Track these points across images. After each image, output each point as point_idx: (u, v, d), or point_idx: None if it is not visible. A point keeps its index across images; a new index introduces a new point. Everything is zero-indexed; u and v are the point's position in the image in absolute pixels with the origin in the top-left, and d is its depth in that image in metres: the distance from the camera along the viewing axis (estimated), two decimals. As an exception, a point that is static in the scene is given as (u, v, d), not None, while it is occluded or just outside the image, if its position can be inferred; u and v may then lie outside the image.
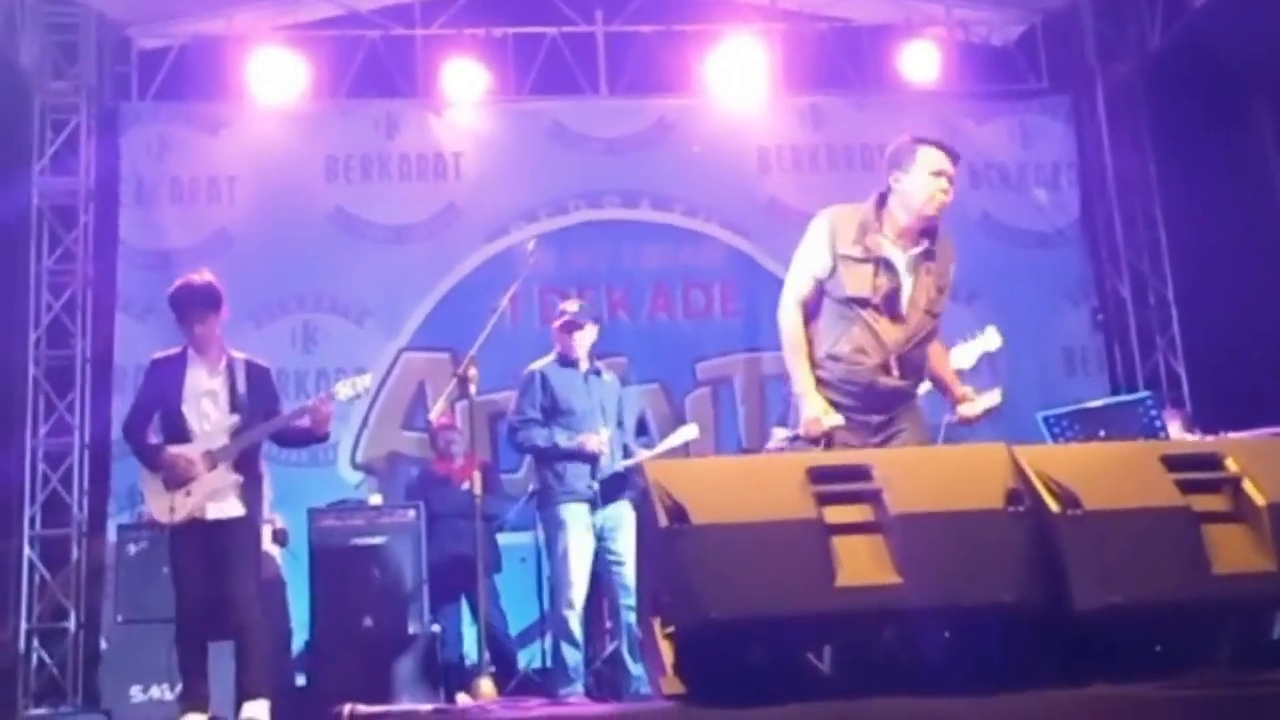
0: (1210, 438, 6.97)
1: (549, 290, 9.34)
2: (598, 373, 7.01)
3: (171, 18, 9.61)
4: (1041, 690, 3.36)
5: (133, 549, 7.53)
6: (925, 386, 4.85)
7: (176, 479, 5.73)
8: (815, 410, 4.49)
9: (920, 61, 9.92)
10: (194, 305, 5.83)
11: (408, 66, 9.78)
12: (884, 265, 4.54)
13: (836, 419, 4.47)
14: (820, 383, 4.56)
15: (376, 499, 8.36)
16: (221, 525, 5.77)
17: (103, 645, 7.73)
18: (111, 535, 8.15)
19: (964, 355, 5.58)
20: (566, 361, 6.95)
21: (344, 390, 6.16)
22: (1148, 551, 3.62)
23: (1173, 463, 3.82)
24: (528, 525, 7.92)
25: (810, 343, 4.62)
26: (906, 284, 4.57)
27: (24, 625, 8.62)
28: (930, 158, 4.55)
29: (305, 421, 6.05)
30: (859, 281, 4.53)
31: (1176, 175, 9.67)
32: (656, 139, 9.92)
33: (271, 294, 9.17)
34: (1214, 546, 3.67)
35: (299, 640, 7.56)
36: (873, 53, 10.11)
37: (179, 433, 5.82)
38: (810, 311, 4.64)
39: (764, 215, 9.69)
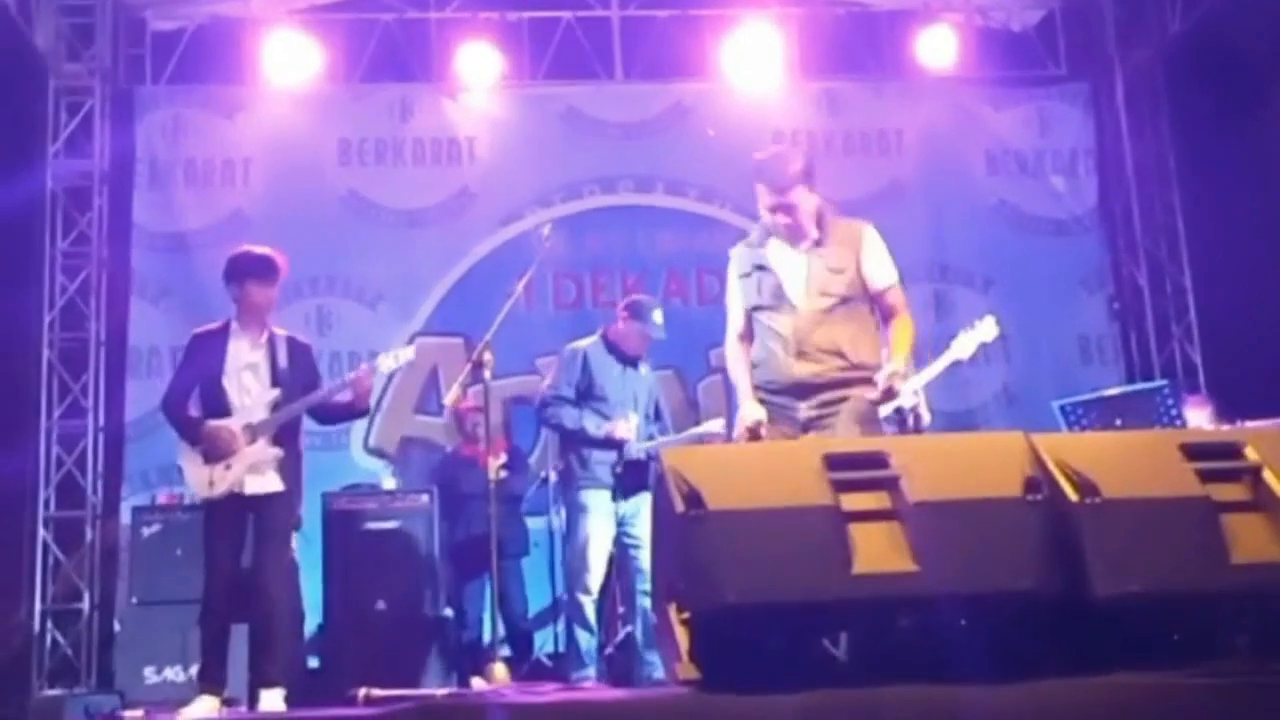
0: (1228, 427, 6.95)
1: (563, 275, 9.35)
2: (635, 366, 7.00)
3: (187, 0, 9.59)
4: (1058, 679, 3.34)
5: (146, 531, 7.55)
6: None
7: (217, 452, 5.75)
8: (741, 411, 4.95)
9: (938, 47, 9.86)
10: (255, 268, 5.92)
11: (422, 50, 9.75)
12: (761, 270, 5.02)
13: (757, 413, 4.87)
14: (757, 390, 4.98)
15: (390, 483, 8.38)
16: (260, 500, 5.80)
17: (116, 627, 7.75)
18: (125, 517, 8.19)
19: (962, 346, 5.58)
20: (613, 348, 6.94)
21: (386, 362, 6.24)
22: (1166, 540, 3.61)
23: (1192, 451, 3.81)
24: (542, 509, 7.94)
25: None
26: (795, 276, 4.95)
27: (38, 606, 8.64)
28: (760, 195, 4.99)
29: (347, 395, 6.08)
30: (749, 293, 5.05)
31: (1195, 163, 9.61)
32: (671, 124, 9.88)
33: (286, 277, 9.13)
34: (1233, 536, 3.65)
35: (311, 623, 7.58)
36: (890, 38, 10.05)
37: (219, 406, 5.84)
38: (749, 338, 5.11)
39: (779, 201, 9.64)
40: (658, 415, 7.14)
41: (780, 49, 9.78)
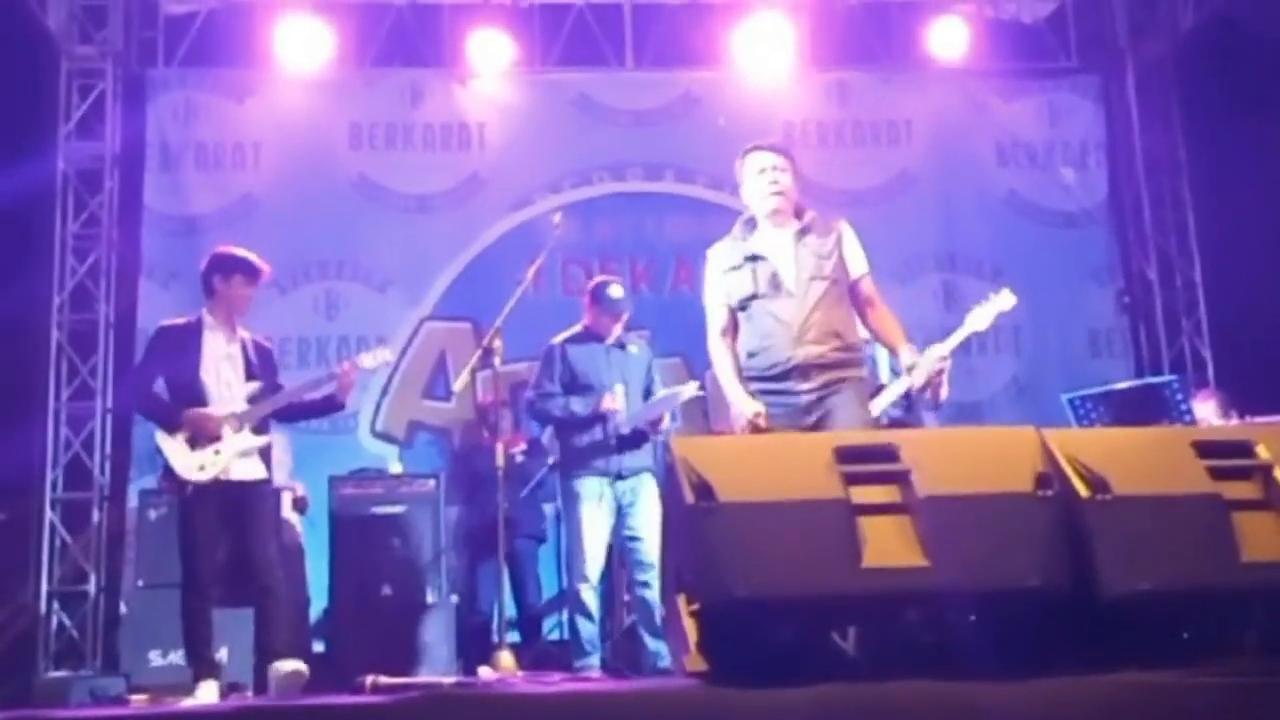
0: (1237, 421, 6.94)
1: (572, 262, 9.33)
2: (622, 346, 7.00)
3: (198, -16, 9.59)
4: (1067, 675, 3.34)
5: (153, 514, 7.56)
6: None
7: (204, 435, 5.82)
8: (737, 408, 5.00)
9: (949, 38, 9.82)
10: (242, 267, 6.03)
11: (434, 36, 9.72)
12: (756, 259, 5.07)
13: (755, 406, 4.91)
14: (752, 381, 5.02)
15: (397, 467, 8.40)
16: (245, 486, 5.89)
17: (122, 609, 7.76)
18: (132, 500, 8.21)
19: (980, 317, 5.66)
20: (591, 335, 6.94)
21: (366, 360, 6.31)
22: (1177, 538, 3.61)
23: (1204, 449, 3.80)
24: (552, 496, 7.96)
25: (740, 359, 5.10)
26: (786, 263, 5.05)
27: (45, 588, 8.65)
28: (751, 163, 5.20)
29: (331, 388, 6.14)
30: (742, 284, 5.08)
31: (1206, 157, 9.58)
32: (682, 112, 9.85)
33: (295, 261, 9.15)
34: (1244, 534, 3.65)
35: (317, 608, 7.60)
36: (901, 29, 10.02)
37: (196, 396, 5.90)
38: (733, 335, 5.16)
39: (789, 190, 9.63)
40: (651, 393, 7.08)
41: (791, 39, 9.75)
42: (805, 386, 4.92)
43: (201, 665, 5.82)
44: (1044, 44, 10.24)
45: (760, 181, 5.15)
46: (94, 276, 9.12)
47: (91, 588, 8.70)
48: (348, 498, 7.50)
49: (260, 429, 5.98)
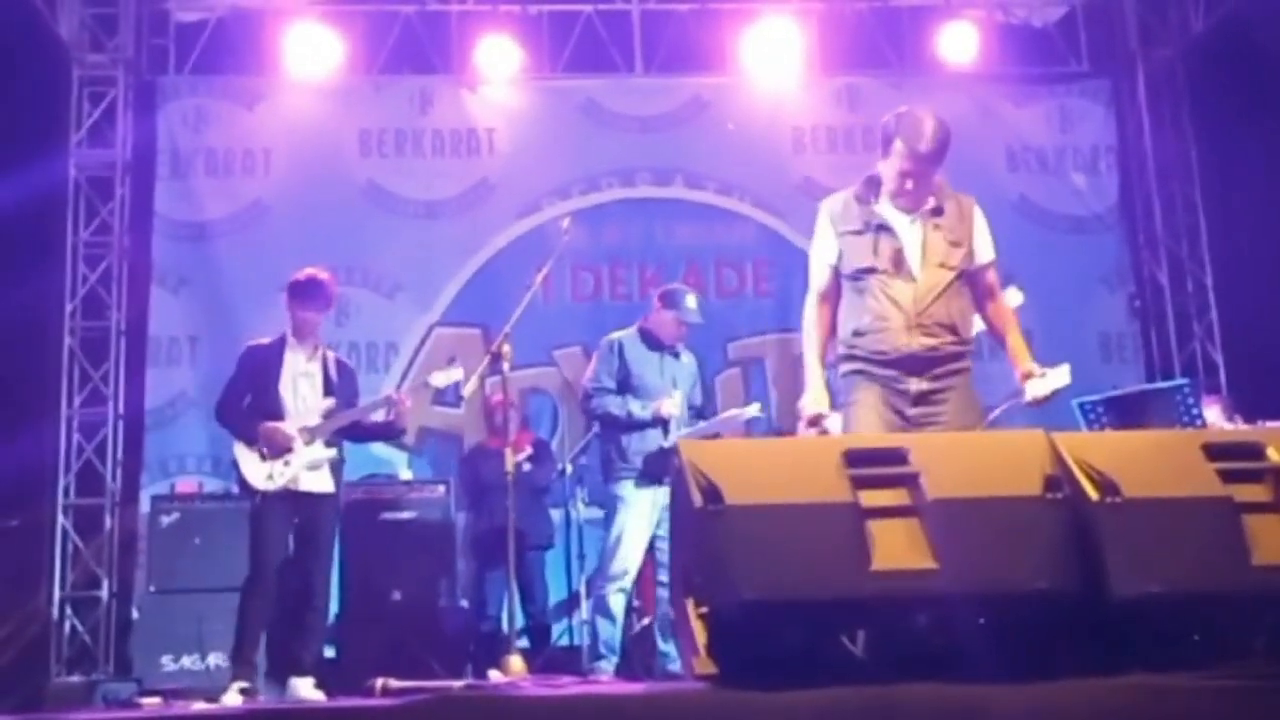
0: (1245, 426, 6.92)
1: (581, 268, 9.35)
2: (676, 354, 7.01)
3: (209, -9, 9.63)
4: (1076, 678, 3.33)
5: (165, 520, 7.61)
6: None
7: (275, 449, 6.14)
8: (806, 397, 4.67)
9: (959, 43, 9.82)
10: (315, 296, 6.38)
11: (442, 42, 9.75)
12: (882, 230, 4.66)
13: (821, 407, 4.62)
14: (853, 360, 4.66)
15: (406, 474, 8.41)
16: (313, 498, 6.20)
17: (134, 614, 7.81)
18: (144, 506, 8.24)
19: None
20: (649, 337, 6.95)
21: (438, 379, 6.66)
22: (1187, 541, 3.59)
23: (1214, 452, 3.78)
24: (561, 501, 7.96)
25: (837, 330, 4.74)
26: (913, 243, 4.65)
27: (57, 593, 8.67)
28: (896, 154, 4.63)
29: (382, 416, 6.56)
30: (861, 253, 4.66)
31: (1217, 161, 9.57)
32: (691, 118, 9.86)
33: (304, 266, 9.14)
34: (1254, 537, 3.62)
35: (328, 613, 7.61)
36: (911, 34, 10.01)
37: (274, 410, 6.24)
38: (833, 300, 4.77)
39: (798, 195, 9.62)
40: (693, 406, 7.09)
41: (800, 44, 9.76)
42: (914, 379, 4.58)
43: (241, 667, 6.02)
44: (1054, 49, 10.23)
45: (896, 182, 4.66)
46: (105, 283, 9.16)
47: (104, 593, 8.72)
48: (358, 504, 7.52)
49: (332, 444, 6.28)
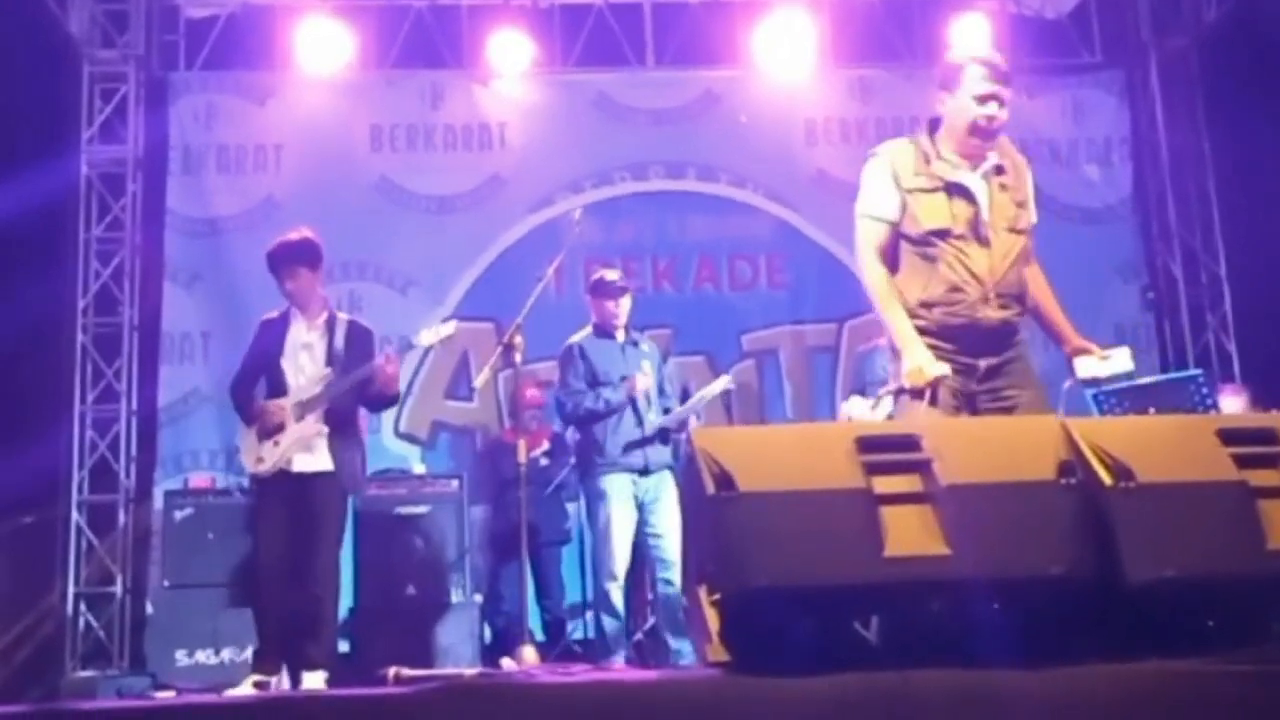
0: (1264, 416, 6.87)
1: (594, 261, 9.28)
2: (635, 343, 7.02)
3: (220, -13, 9.64)
4: (1090, 664, 3.31)
5: (179, 515, 7.63)
6: None
7: (266, 429, 5.92)
8: (918, 359, 4.17)
9: (971, 34, 9.76)
10: (284, 260, 6.05)
11: (454, 37, 9.75)
12: (956, 190, 4.28)
13: (943, 368, 4.16)
14: (923, 335, 4.26)
15: (420, 468, 8.41)
16: (308, 479, 5.89)
17: (148, 610, 7.82)
18: (158, 502, 8.27)
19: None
20: (603, 332, 6.97)
21: (426, 337, 6.39)
22: (1202, 525, 3.56)
23: (1229, 436, 3.75)
24: (574, 497, 7.96)
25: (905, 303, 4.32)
26: (983, 204, 4.29)
27: (71, 589, 8.69)
28: (972, 78, 4.30)
29: (371, 380, 6.12)
30: (934, 212, 4.27)
31: (1231, 152, 9.52)
32: (703, 111, 9.86)
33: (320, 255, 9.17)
34: (1269, 521, 3.60)
35: (342, 608, 7.59)
36: (923, 25, 9.99)
37: (277, 386, 6.03)
38: (889, 262, 4.34)
39: (811, 187, 9.64)
40: (663, 392, 7.11)
41: (812, 36, 9.74)
42: (984, 356, 4.25)
43: (262, 660, 5.88)
44: (1067, 40, 10.20)
45: (976, 110, 4.28)
46: (118, 279, 9.17)
47: (118, 589, 8.74)
48: (372, 498, 7.52)
49: (332, 418, 5.94)
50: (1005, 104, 4.31)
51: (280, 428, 5.90)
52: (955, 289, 4.25)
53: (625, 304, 6.99)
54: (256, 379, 6.14)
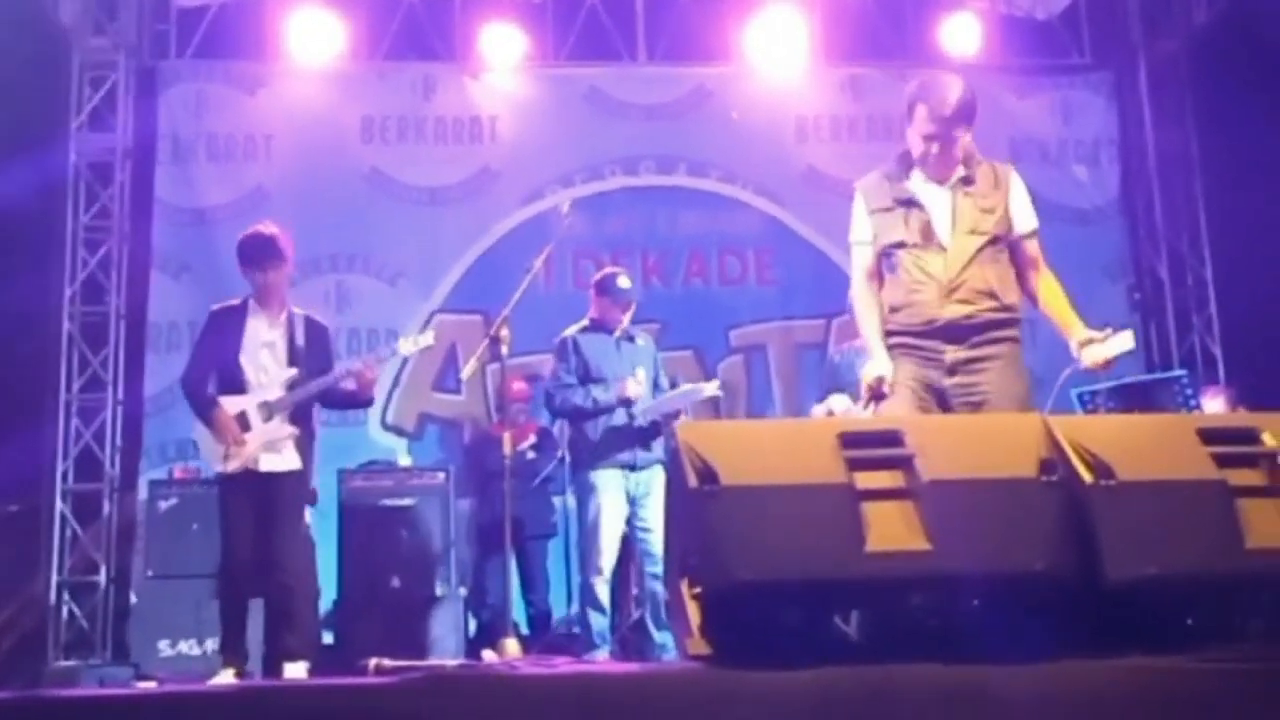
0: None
1: (583, 255, 9.34)
2: (630, 338, 7.02)
3: (211, -24, 9.61)
4: (1071, 660, 3.32)
5: (163, 505, 7.61)
6: None
7: (226, 440, 5.80)
8: (871, 366, 4.60)
9: (962, 34, 9.83)
10: (261, 255, 5.95)
11: (446, 29, 9.75)
12: (910, 205, 4.64)
13: (885, 368, 4.56)
14: (893, 336, 4.63)
15: (406, 460, 8.41)
16: (274, 478, 5.85)
17: (132, 599, 7.80)
18: (143, 491, 8.24)
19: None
20: (600, 326, 6.96)
21: (406, 345, 6.35)
22: (1181, 524, 3.58)
23: (1209, 436, 3.78)
24: (560, 491, 7.97)
25: (882, 311, 4.70)
26: (941, 213, 4.62)
27: (55, 578, 8.67)
28: (919, 118, 4.61)
29: (351, 384, 6.11)
30: (891, 228, 4.65)
31: (1219, 155, 9.54)
32: (694, 106, 9.87)
33: (306, 253, 9.02)
34: (1248, 520, 3.62)
35: (326, 599, 7.61)
36: (914, 24, 10.03)
37: (235, 383, 5.89)
38: (879, 279, 4.73)
39: (801, 184, 9.66)
40: (658, 385, 7.12)
41: (804, 33, 9.76)
42: (951, 348, 4.51)
43: (227, 653, 5.83)
44: (1057, 40, 10.23)
45: (921, 146, 4.63)
46: (105, 269, 9.15)
47: (101, 578, 8.72)
48: (357, 490, 7.54)
49: (296, 417, 5.92)
50: (954, 141, 4.59)
51: (239, 442, 5.80)
52: (913, 290, 4.60)
53: (630, 313, 7.03)
54: (211, 374, 6.00)
